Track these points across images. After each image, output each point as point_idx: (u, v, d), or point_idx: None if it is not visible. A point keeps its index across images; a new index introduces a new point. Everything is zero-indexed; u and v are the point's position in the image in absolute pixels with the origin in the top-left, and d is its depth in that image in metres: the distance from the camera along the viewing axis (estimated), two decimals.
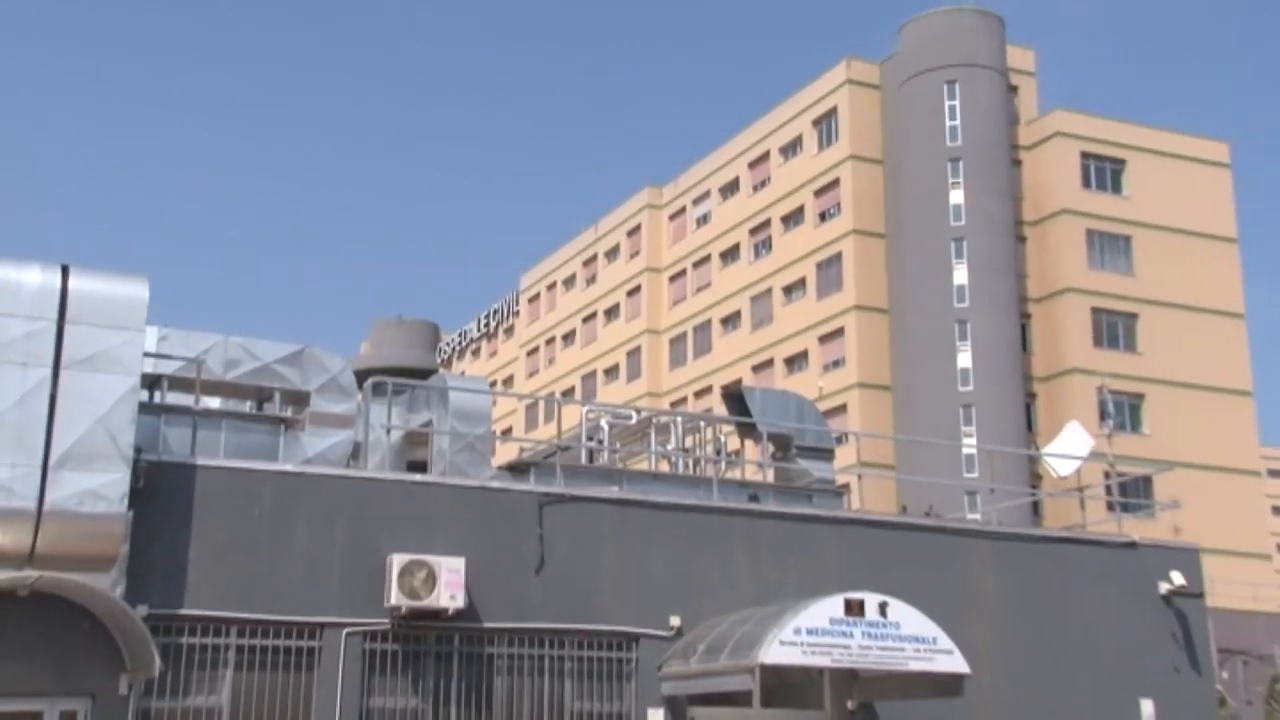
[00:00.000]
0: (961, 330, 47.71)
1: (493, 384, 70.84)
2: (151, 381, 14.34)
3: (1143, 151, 51.88)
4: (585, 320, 67.19)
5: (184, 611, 12.61)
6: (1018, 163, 51.62)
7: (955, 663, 13.27)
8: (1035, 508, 43.75)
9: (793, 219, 54.64)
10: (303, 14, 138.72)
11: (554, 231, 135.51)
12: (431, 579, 13.28)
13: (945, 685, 13.72)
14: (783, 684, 14.07)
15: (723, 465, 18.39)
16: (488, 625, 13.83)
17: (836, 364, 50.61)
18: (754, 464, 17.86)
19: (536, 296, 72.51)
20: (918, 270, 49.19)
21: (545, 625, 14.08)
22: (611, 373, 64.29)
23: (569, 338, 68.84)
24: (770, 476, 17.74)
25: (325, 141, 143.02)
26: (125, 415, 11.97)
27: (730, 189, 58.99)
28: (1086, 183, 50.96)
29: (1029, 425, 47.83)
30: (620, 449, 18.73)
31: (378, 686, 13.22)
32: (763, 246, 56.18)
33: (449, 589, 13.29)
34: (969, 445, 39.61)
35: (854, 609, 13.11)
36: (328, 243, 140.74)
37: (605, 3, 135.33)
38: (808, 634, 12.87)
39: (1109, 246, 50.44)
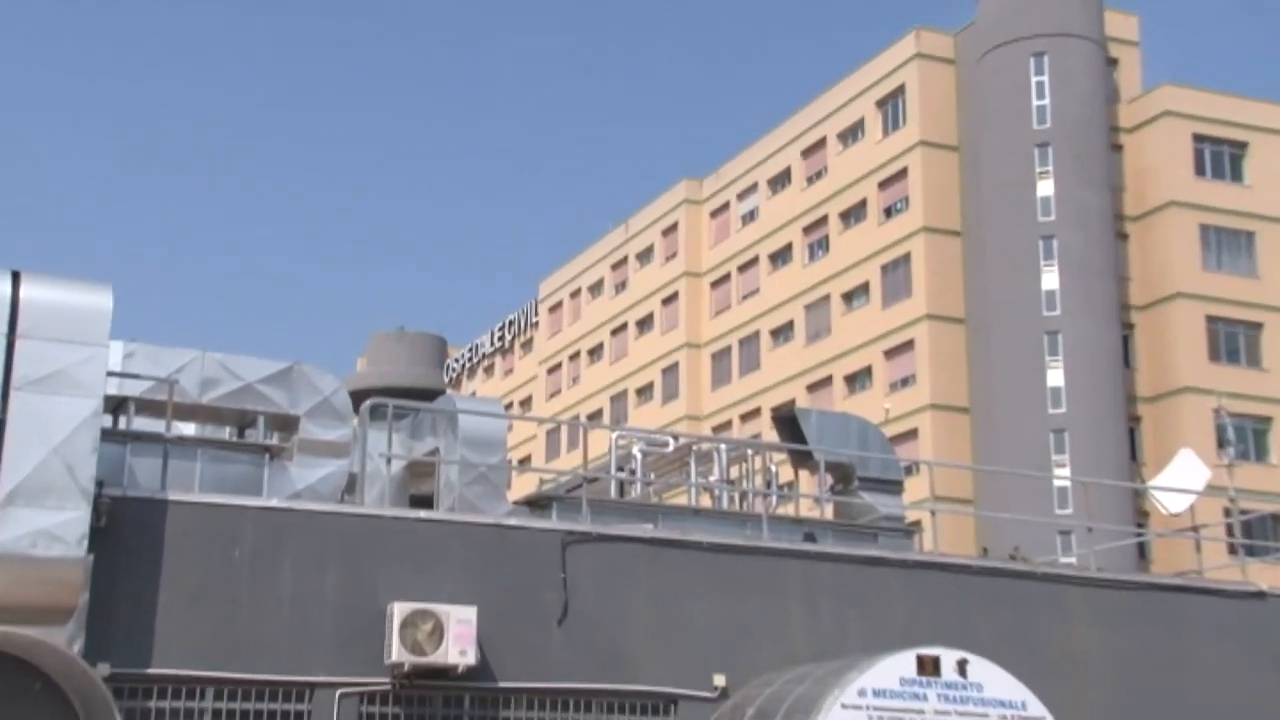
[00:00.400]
0: (1052, 343, 47.41)
1: (508, 406, 71.14)
2: (116, 405, 14.44)
3: (1267, 133, 51.46)
4: (614, 333, 67.35)
5: (152, 671, 12.65)
6: (1118, 147, 51.34)
7: None
8: (1141, 550, 43.35)
9: (853, 215, 54.57)
10: None
11: (578, 231, 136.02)
12: (438, 631, 13.27)
13: None
14: None
15: (774, 499, 18.34)
16: (503, 685, 13.82)
17: (905, 382, 50.41)
18: (810, 498, 17.77)
19: (558, 306, 72.79)
20: (1000, 273, 48.96)
21: (569, 685, 14.04)
22: (645, 393, 64.36)
23: (595, 353, 69.01)
24: (829, 513, 17.63)
25: (314, 131, 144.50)
26: (85, 444, 12.03)
27: (780, 181, 59.03)
28: (1200, 170, 50.59)
29: (1132, 454, 47.44)
30: (655, 481, 18.71)
31: None
32: (818, 247, 56.14)
33: (458, 643, 13.28)
34: (1062, 477, 39.37)
35: (928, 667, 13.00)
36: (318, 246, 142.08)
37: None
38: (874, 696, 12.78)
39: (1227, 244, 50.01)
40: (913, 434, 48.83)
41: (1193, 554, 19.24)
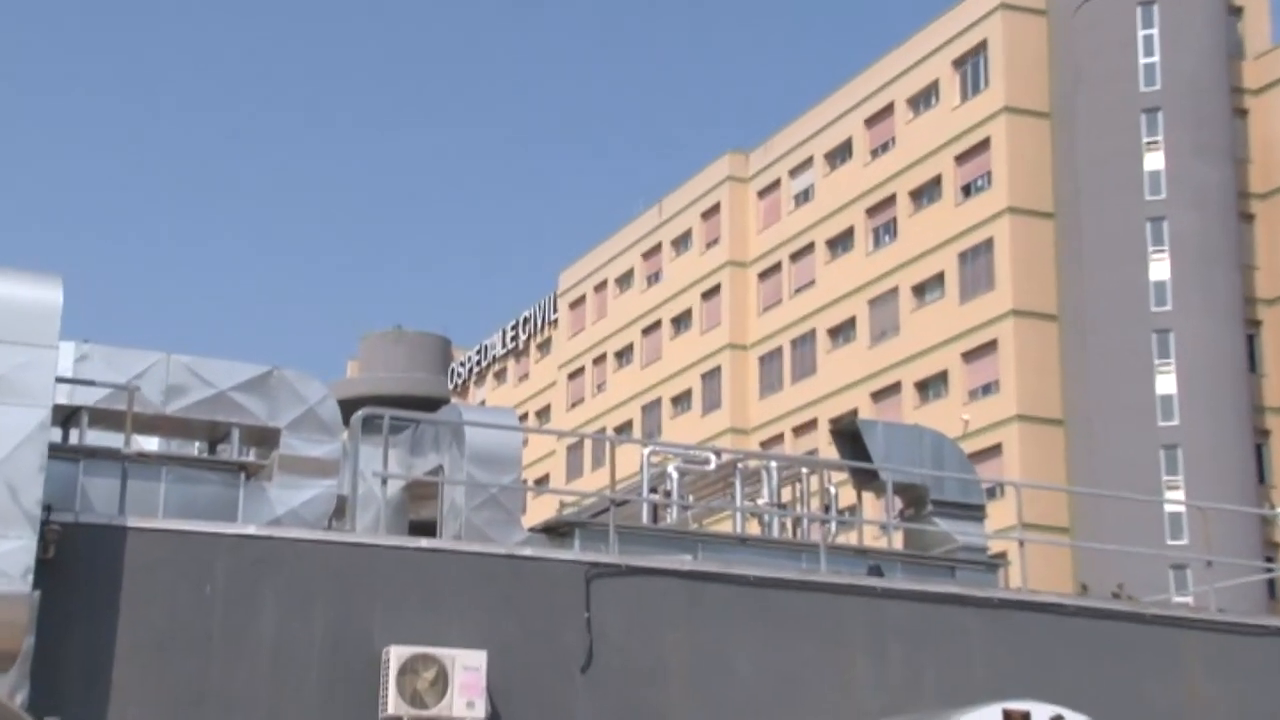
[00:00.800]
0: (1162, 343, 47.13)
1: (523, 417, 71.14)
2: (67, 416, 14.54)
3: None
4: (646, 332, 67.44)
5: None
6: (1242, 112, 51.00)
7: None
8: (1270, 588, 42.99)
9: (926, 194, 54.46)
10: None
11: (603, 215, 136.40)
12: (442, 680, 13.29)
13: None
14: None
15: (833, 527, 18.30)
16: None
17: (987, 390, 50.24)
18: (875, 525, 17.70)
19: (580, 301, 72.94)
20: (1100, 262, 48.74)
21: None
22: (681, 402, 64.40)
23: (624, 355, 69.10)
24: (897, 542, 17.58)
25: (296, 105, 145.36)
26: (31, 461, 12.08)
27: (840, 155, 58.97)
28: None
29: (1259, 474, 47.09)
30: (694, 504, 18.69)
31: None
32: (885, 231, 56.07)
33: (465, 693, 13.28)
34: (1175, 501, 39.11)
35: None
36: (302, 235, 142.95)
37: None
38: None
39: None
40: (996, 450, 48.65)
41: None
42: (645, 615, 14.58)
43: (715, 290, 63.21)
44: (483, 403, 77.23)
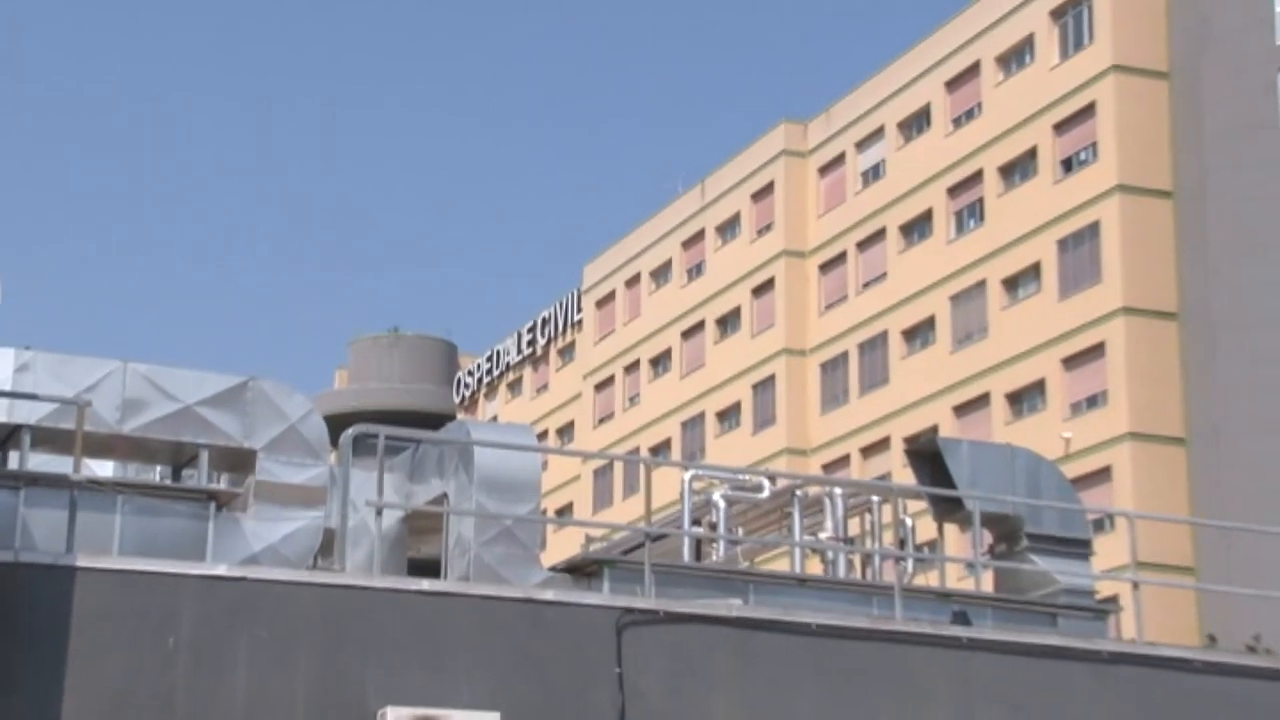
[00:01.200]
0: None
1: (541, 436, 71.27)
2: (5, 436, 14.63)
3: None
4: (686, 334, 67.45)
5: None
6: None
7: None
8: None
9: (1019, 170, 54.32)
10: None
11: (635, 197, 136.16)
12: None
13: None
14: None
15: (909, 565, 18.28)
16: None
17: (1093, 402, 50.04)
18: (960, 563, 17.63)
19: (609, 299, 73.00)
20: (1231, 249, 48.49)
21: None
22: (729, 417, 64.36)
23: (660, 362, 69.11)
24: (986, 584, 17.50)
25: (275, 80, 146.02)
26: None
27: (916, 124, 58.88)
28: None
29: None
30: (745, 539, 18.70)
31: None
32: (970, 215, 55.92)
33: None
34: None
35: None
36: (283, 226, 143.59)
37: None
38: None
39: None
40: (1104, 474, 48.42)
41: None
42: (687, 670, 14.57)
43: (768, 285, 63.15)
44: (494, 419, 77.27)
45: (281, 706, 13.46)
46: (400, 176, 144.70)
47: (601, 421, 71.76)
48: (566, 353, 76.78)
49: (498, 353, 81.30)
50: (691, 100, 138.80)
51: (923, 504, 18.71)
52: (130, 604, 13.30)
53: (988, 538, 17.78)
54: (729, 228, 66.10)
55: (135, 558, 13.80)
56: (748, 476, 19.06)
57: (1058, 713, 15.51)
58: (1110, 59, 51.44)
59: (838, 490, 18.64)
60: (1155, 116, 51.24)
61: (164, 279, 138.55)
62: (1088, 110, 51.90)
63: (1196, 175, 49.94)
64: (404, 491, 16.47)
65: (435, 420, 69.41)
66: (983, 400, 53.37)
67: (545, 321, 78.05)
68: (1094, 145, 51.64)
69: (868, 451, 57.35)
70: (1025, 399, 52.48)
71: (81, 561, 13.33)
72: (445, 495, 15.94)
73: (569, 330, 76.32)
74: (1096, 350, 50.14)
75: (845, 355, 59.63)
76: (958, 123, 56.80)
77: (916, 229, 57.93)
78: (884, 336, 57.94)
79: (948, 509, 17.88)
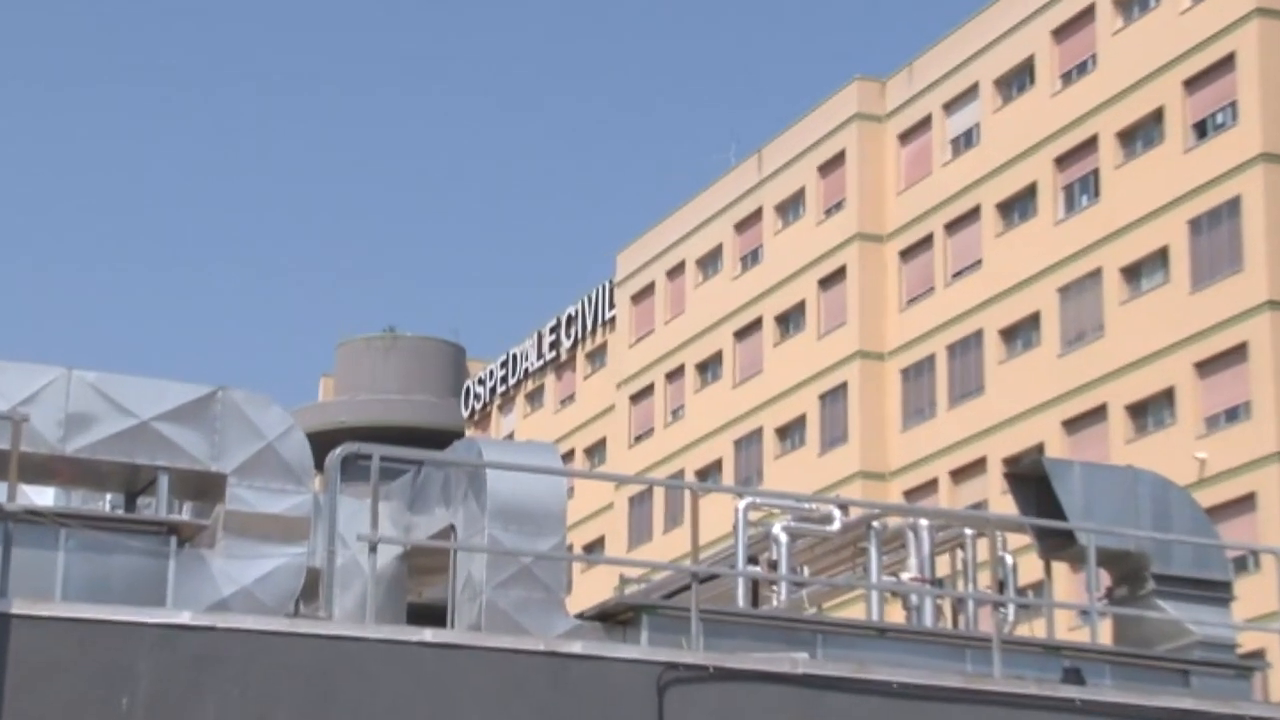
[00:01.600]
0: None
1: (567, 456, 71.25)
2: None
3: None
4: (740, 335, 67.38)
5: None
6: None
7: None
8: None
9: (1141, 135, 54.14)
10: None
11: (677, 171, 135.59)
12: None
13: None
14: None
15: (1010, 613, 18.21)
16: None
17: (1233, 415, 49.83)
18: (1072, 610, 17.49)
19: (647, 292, 72.96)
20: None
21: None
22: (792, 434, 64.28)
23: (709, 368, 69.06)
24: (1105, 634, 17.38)
25: (248, 53, 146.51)
26: None
27: (1015, 81, 58.71)
28: None
29: None
30: (812, 579, 18.71)
31: None
32: (1081, 190, 55.72)
33: None
34: None
35: None
36: (258, 213, 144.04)
37: None
38: None
39: None
40: (1247, 503, 48.15)
41: None
42: None
43: (839, 275, 63.06)
44: (510, 436, 77.34)
45: None
46: (394, 154, 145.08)
47: (638, 439, 71.74)
48: (596, 357, 76.79)
49: (514, 357, 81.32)
50: (745, 55, 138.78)
51: (1026, 538, 18.64)
52: (76, 658, 13.31)
53: (1105, 579, 17.68)
54: (791, 206, 66.04)
55: (82, 604, 13.80)
56: (814, 505, 19.09)
57: None
58: (1254, 1, 51.17)
59: (923, 522, 18.60)
60: None
61: (118, 277, 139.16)
62: (1226, 63, 51.64)
63: None
64: (403, 523, 16.45)
65: (440, 438, 69.48)
66: (1098, 413, 53.16)
67: (571, 319, 78.04)
68: (1233, 105, 51.37)
69: (959, 475, 57.19)
70: (1150, 412, 52.27)
71: (17, 608, 13.34)
72: (452, 528, 15.92)
73: (599, 330, 76.31)
74: (1237, 353, 49.89)
75: (931, 359, 59.49)
76: (1067, 79, 56.62)
77: (1017, 208, 57.78)
78: (978, 337, 57.76)
79: (1056, 544, 17.80)
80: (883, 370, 61.23)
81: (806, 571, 18.97)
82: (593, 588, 52.49)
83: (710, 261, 69.63)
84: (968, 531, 18.75)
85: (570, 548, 49.96)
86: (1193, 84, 52.55)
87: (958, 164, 59.93)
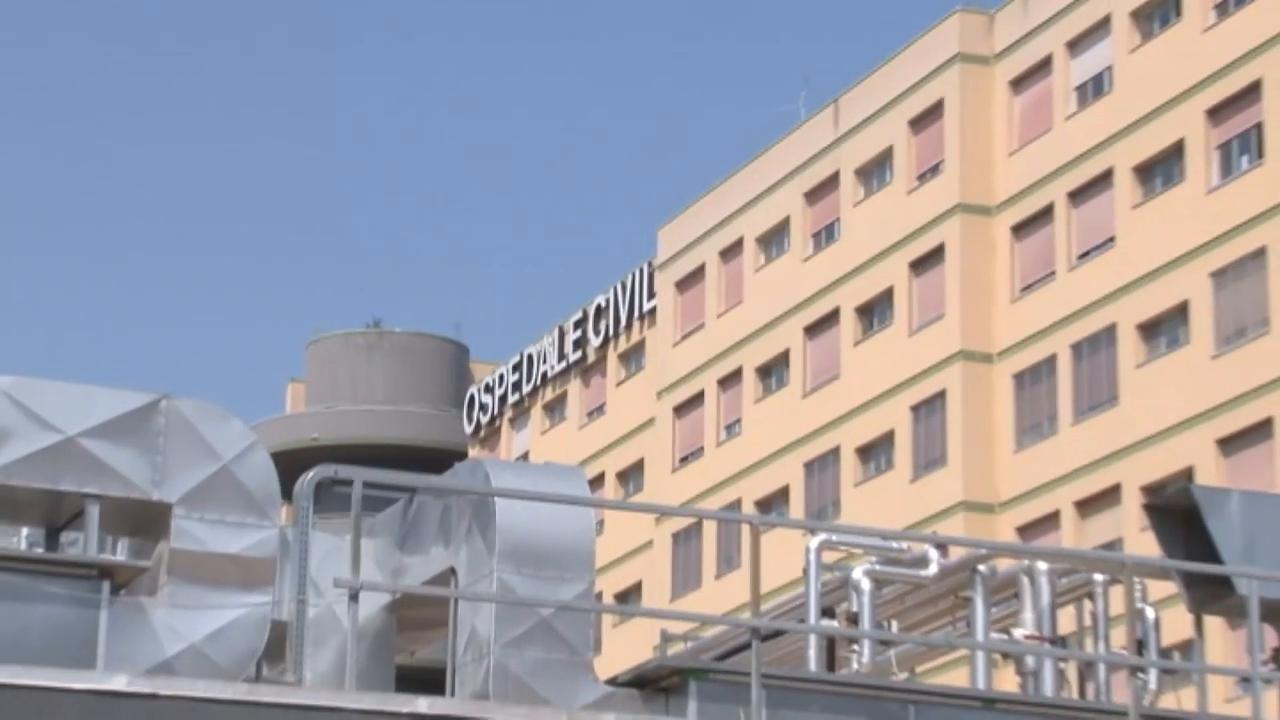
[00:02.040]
0: None
1: (596, 481, 71.23)
2: None
3: None
4: (812, 330, 67.35)
5: None
6: None
7: None
8: None
9: None
10: None
11: (732, 128, 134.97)
12: None
13: None
14: None
15: (1150, 680, 18.22)
16: None
17: None
18: (1230, 676, 17.47)
19: (695, 277, 72.95)
20: None
21: None
22: (876, 455, 64.27)
23: (773, 372, 69.11)
24: (1272, 705, 17.33)
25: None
26: None
27: (1158, 13, 58.52)
28: None
29: None
30: (902, 636, 18.73)
31: None
32: (1241, 149, 55.64)
33: None
34: None
35: None
36: (220, 191, 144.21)
37: None
38: None
39: None
40: None
41: None
42: None
43: (935, 256, 63.00)
44: (525, 456, 77.39)
45: None
46: (373, 110, 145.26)
47: (684, 461, 71.75)
48: (632, 358, 76.82)
49: (529, 358, 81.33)
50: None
51: (1171, 586, 18.63)
52: None
53: (1272, 637, 17.66)
54: (875, 171, 66.02)
55: None
56: (905, 545, 19.03)
57: None
58: None
59: (1041, 565, 18.57)
60: None
61: (41, 265, 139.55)
62: None
63: None
64: (391, 565, 16.50)
65: (437, 458, 69.60)
66: (1262, 430, 53.09)
67: (600, 311, 78.04)
68: None
69: (1086, 507, 57.09)
70: None
71: None
72: (452, 571, 15.97)
73: (635, 325, 76.31)
74: None
75: (1052, 361, 59.35)
76: (1221, 10, 56.52)
77: (1161, 172, 57.65)
78: (1110, 334, 57.64)
79: (1210, 594, 17.79)
80: (991, 375, 61.12)
81: (895, 627, 18.97)
82: (628, 646, 52.68)
83: (775, 239, 69.63)
84: (1098, 578, 18.73)
85: (600, 596, 50.14)
86: None
87: (1085, 117, 59.79)
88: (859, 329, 65.54)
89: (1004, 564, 18.87)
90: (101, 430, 14.96)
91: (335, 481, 15.69)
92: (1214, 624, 18.26)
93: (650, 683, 16.04)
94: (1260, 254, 53.86)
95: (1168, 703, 18.49)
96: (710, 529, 68.44)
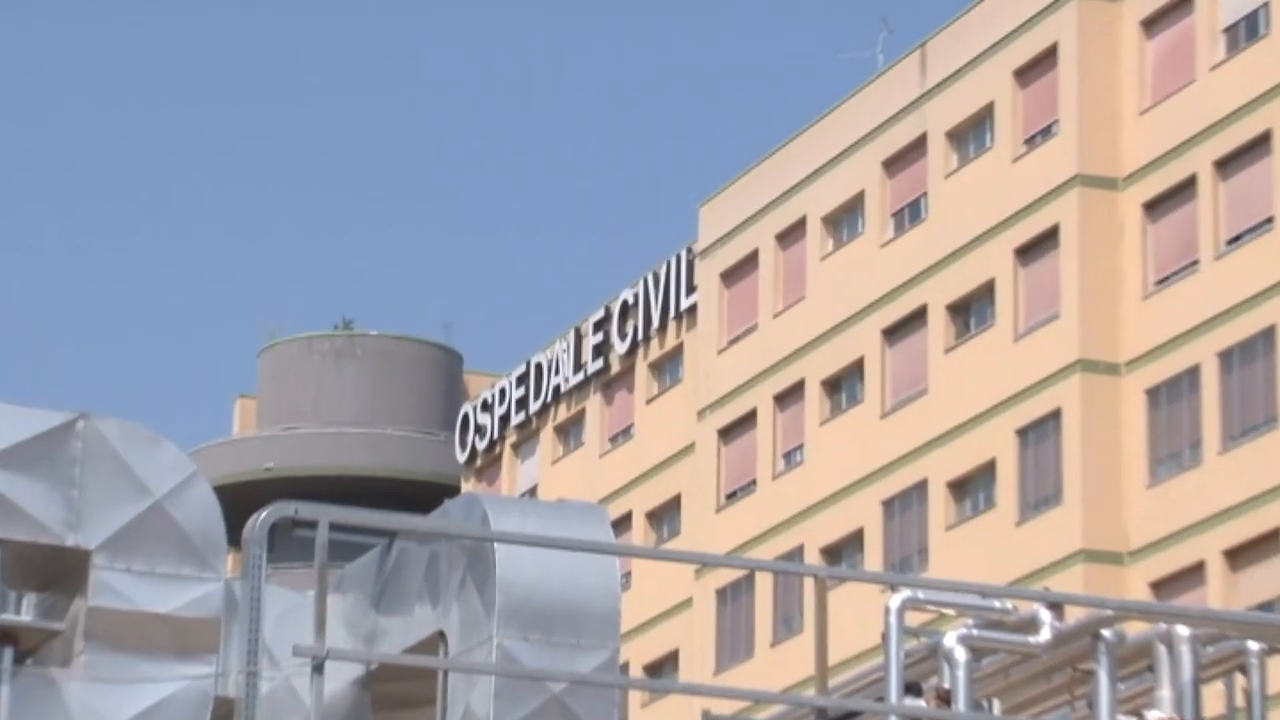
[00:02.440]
0: None
1: (620, 523, 71.39)
2: None
3: None
4: (891, 334, 67.52)
5: None
6: None
7: None
8: None
9: None
10: None
11: (792, 81, 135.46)
12: None
13: None
14: None
15: None
16: None
17: None
18: None
19: (745, 267, 73.18)
20: None
21: None
22: (974, 490, 64.51)
23: (843, 386, 69.24)
24: None
25: None
26: None
27: None
28: None
29: None
30: (1007, 716, 18.81)
31: None
32: None
33: None
34: None
35: None
36: (159, 168, 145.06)
37: None
38: None
39: None
40: None
41: None
42: None
43: (1048, 240, 63.11)
44: (533, 491, 77.63)
45: None
46: (342, 76, 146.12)
47: (732, 497, 72.02)
48: (666, 368, 77.06)
49: (537, 368, 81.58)
50: None
51: None
52: None
53: None
54: (972, 133, 66.17)
55: None
56: (1010, 604, 19.06)
57: None
58: None
59: (1182, 630, 18.62)
60: None
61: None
62: None
63: None
64: (365, 628, 16.55)
65: (423, 493, 69.86)
66: None
67: (626, 310, 78.28)
68: None
69: (1238, 558, 57.09)
70: None
71: None
72: (441, 635, 16.00)
73: (671, 326, 76.51)
74: None
75: (1195, 373, 59.41)
76: None
77: None
78: (1268, 338, 57.62)
79: None
80: (1118, 390, 61.16)
81: (997, 708, 19.01)
82: None
83: (845, 220, 69.80)
84: (1252, 645, 18.77)
85: (626, 668, 50.39)
86: None
87: (1234, 66, 59.82)
88: (952, 332, 65.65)
89: (1135, 628, 18.88)
90: (3, 458, 14.94)
91: (295, 523, 15.70)
92: None
93: None
94: None
95: None
96: (765, 583, 68.57)
